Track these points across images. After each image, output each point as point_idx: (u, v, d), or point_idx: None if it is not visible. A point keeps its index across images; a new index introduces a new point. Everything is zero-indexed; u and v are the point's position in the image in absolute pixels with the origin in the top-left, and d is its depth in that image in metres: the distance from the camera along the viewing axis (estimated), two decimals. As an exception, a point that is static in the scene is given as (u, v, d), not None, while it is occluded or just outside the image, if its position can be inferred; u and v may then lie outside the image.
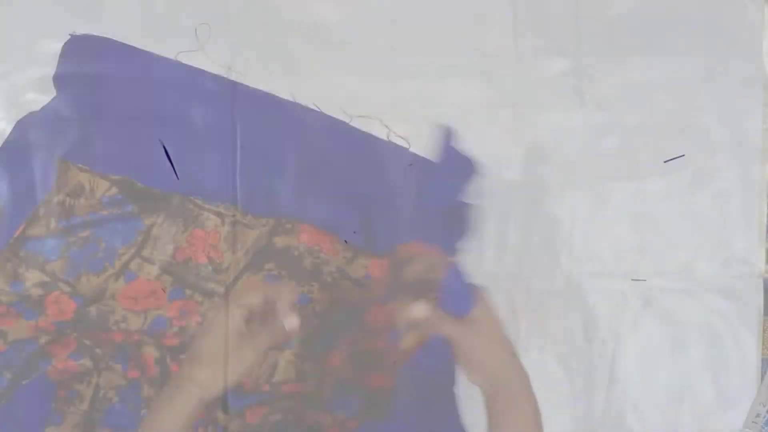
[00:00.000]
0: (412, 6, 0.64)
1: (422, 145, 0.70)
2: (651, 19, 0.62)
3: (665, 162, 0.62)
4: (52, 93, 0.68)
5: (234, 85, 0.65)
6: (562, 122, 0.62)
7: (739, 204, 0.73)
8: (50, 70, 0.68)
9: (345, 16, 0.67)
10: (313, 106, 0.65)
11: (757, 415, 0.73)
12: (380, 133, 0.65)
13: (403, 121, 0.64)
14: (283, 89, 0.63)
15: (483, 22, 0.60)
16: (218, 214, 0.68)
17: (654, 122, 0.61)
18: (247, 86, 0.64)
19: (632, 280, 0.73)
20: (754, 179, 0.73)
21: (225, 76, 0.64)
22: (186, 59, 0.63)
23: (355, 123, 0.69)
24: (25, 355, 0.64)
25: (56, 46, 0.68)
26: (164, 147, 0.68)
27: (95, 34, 0.67)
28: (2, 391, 0.64)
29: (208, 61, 0.62)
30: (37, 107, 0.68)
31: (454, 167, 0.68)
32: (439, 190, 0.69)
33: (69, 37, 0.68)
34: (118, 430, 0.66)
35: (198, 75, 0.65)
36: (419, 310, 0.60)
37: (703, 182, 0.73)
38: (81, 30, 0.68)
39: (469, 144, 0.60)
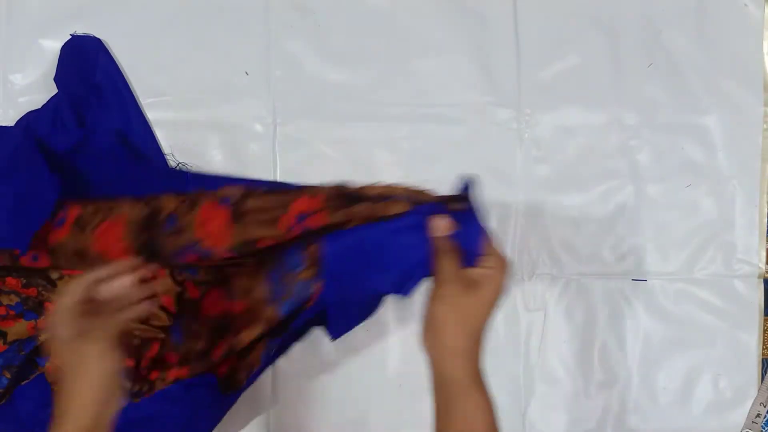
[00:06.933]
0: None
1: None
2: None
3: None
4: (52, 93, 0.68)
5: None
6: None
7: (739, 204, 0.73)
8: (50, 70, 0.69)
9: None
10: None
11: (757, 415, 0.73)
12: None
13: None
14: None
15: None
16: None
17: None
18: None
19: (632, 280, 0.73)
20: (754, 179, 0.73)
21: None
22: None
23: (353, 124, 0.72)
24: (24, 353, 0.63)
25: (56, 46, 0.69)
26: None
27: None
28: (2, 391, 0.63)
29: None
30: (36, 107, 0.68)
31: None
32: None
33: (69, 37, 0.69)
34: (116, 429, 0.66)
35: None
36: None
37: (703, 182, 0.73)
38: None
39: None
